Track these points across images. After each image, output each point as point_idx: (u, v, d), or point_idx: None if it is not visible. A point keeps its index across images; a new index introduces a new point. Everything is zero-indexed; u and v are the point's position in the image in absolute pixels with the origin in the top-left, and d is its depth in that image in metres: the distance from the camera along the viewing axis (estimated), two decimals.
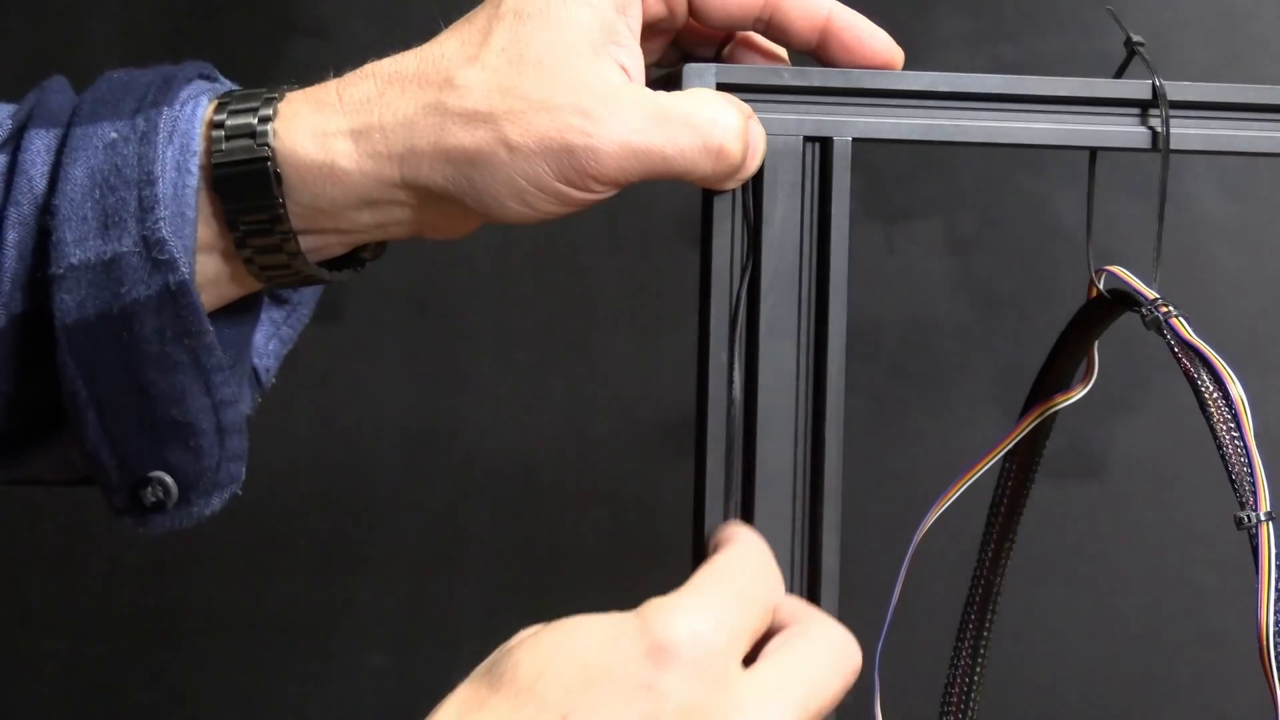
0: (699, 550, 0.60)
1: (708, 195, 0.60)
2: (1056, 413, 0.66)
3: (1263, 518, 0.55)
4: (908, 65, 0.61)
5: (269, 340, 0.66)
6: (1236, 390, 0.57)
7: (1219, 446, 0.56)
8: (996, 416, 1.34)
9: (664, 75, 0.61)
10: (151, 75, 0.61)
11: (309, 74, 0.61)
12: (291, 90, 0.60)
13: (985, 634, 0.69)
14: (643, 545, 1.34)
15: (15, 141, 0.60)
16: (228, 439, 0.61)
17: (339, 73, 0.61)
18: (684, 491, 0.63)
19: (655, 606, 0.51)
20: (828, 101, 0.60)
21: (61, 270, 0.58)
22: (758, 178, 0.60)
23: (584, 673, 0.49)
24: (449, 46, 0.59)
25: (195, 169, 0.58)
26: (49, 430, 0.62)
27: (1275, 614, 0.54)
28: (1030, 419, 0.66)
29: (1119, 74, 0.63)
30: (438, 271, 1.37)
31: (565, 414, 1.40)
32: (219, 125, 0.59)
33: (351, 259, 0.63)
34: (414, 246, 1.29)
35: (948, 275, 1.36)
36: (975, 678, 0.68)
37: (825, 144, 0.60)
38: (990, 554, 0.69)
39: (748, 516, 0.60)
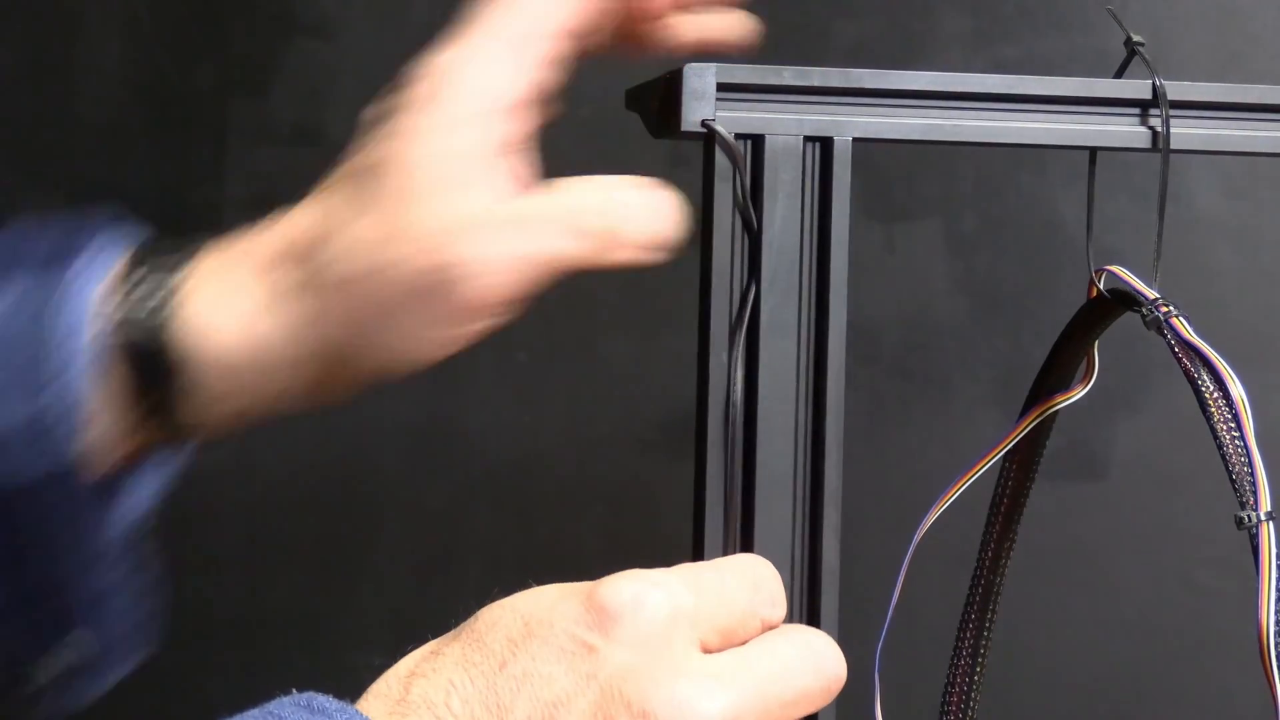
0: (699, 551, 0.60)
1: (707, 196, 0.60)
2: (1056, 413, 0.66)
3: (1263, 517, 0.55)
4: (908, 65, 0.61)
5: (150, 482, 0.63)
6: (1237, 390, 0.57)
7: (1219, 446, 0.56)
8: (996, 416, 1.34)
9: (666, 74, 0.61)
10: (56, 233, 0.58)
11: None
12: (206, 249, 0.59)
13: (985, 634, 0.69)
14: (643, 545, 1.34)
15: None
16: (119, 621, 0.59)
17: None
18: (684, 491, 0.63)
19: (613, 575, 0.51)
20: (828, 101, 0.60)
21: None
22: (757, 178, 0.60)
23: (527, 626, 0.50)
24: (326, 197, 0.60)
25: (89, 343, 0.56)
26: None
27: (1275, 614, 0.54)
28: (1030, 419, 0.66)
29: (1119, 74, 0.63)
30: None
31: (565, 414, 1.40)
32: (122, 300, 0.57)
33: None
34: None
35: (948, 275, 1.36)
36: (975, 678, 0.68)
37: (825, 144, 0.60)
38: (990, 554, 0.69)
39: (748, 516, 0.60)
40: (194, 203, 1.30)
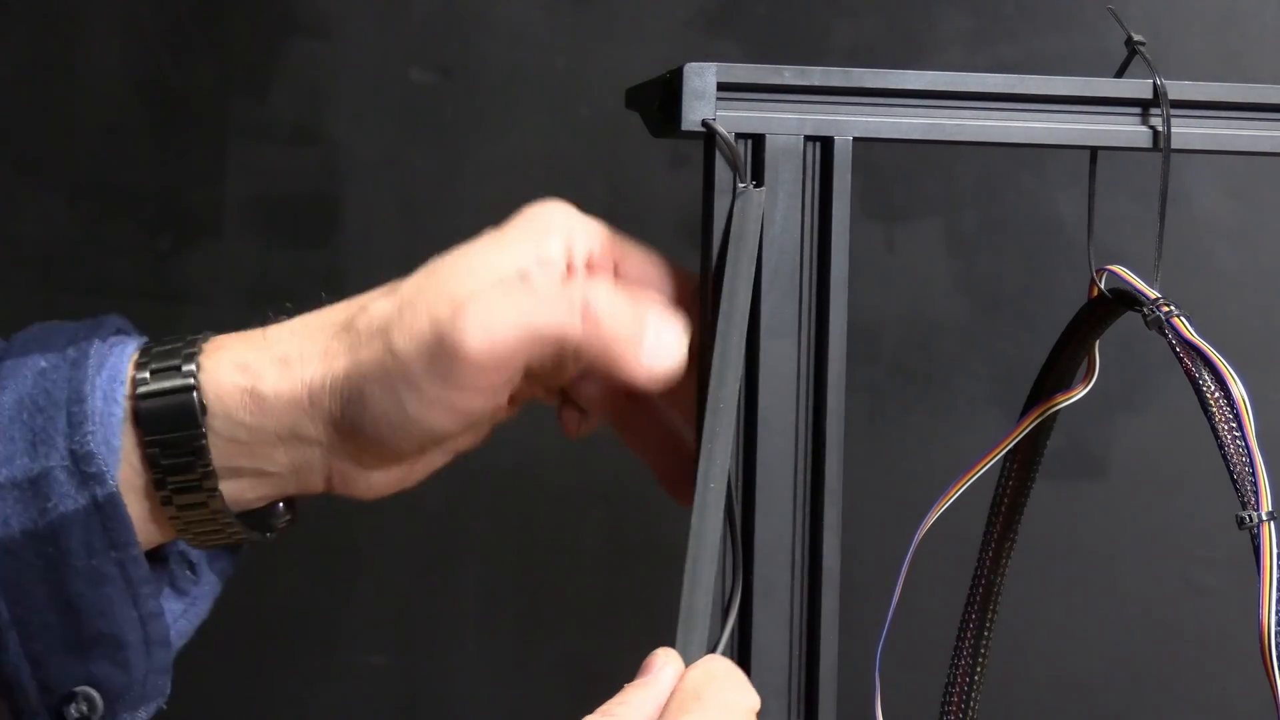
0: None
1: (707, 196, 0.60)
2: (1057, 412, 0.66)
3: (1264, 517, 0.55)
4: (908, 65, 0.61)
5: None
6: (1238, 389, 0.57)
7: (1220, 446, 0.56)
8: (996, 416, 1.34)
9: (667, 74, 0.61)
10: (78, 324, 0.62)
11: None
12: (220, 335, 0.62)
13: (985, 634, 0.69)
14: (643, 545, 1.34)
15: None
16: (154, 651, 0.61)
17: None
18: None
19: None
20: (828, 101, 0.60)
21: None
22: (758, 178, 0.60)
23: None
24: (372, 292, 0.62)
25: (122, 399, 0.59)
26: None
27: (1276, 614, 0.54)
28: (1031, 419, 0.66)
29: (1120, 73, 0.63)
30: None
31: None
32: (144, 365, 0.60)
33: (262, 523, 0.64)
34: (413, 245, 1.28)
35: (948, 275, 1.36)
36: (975, 678, 0.68)
37: (825, 144, 0.60)
38: (990, 554, 0.69)
39: (748, 516, 0.60)
40: (194, 203, 1.30)
